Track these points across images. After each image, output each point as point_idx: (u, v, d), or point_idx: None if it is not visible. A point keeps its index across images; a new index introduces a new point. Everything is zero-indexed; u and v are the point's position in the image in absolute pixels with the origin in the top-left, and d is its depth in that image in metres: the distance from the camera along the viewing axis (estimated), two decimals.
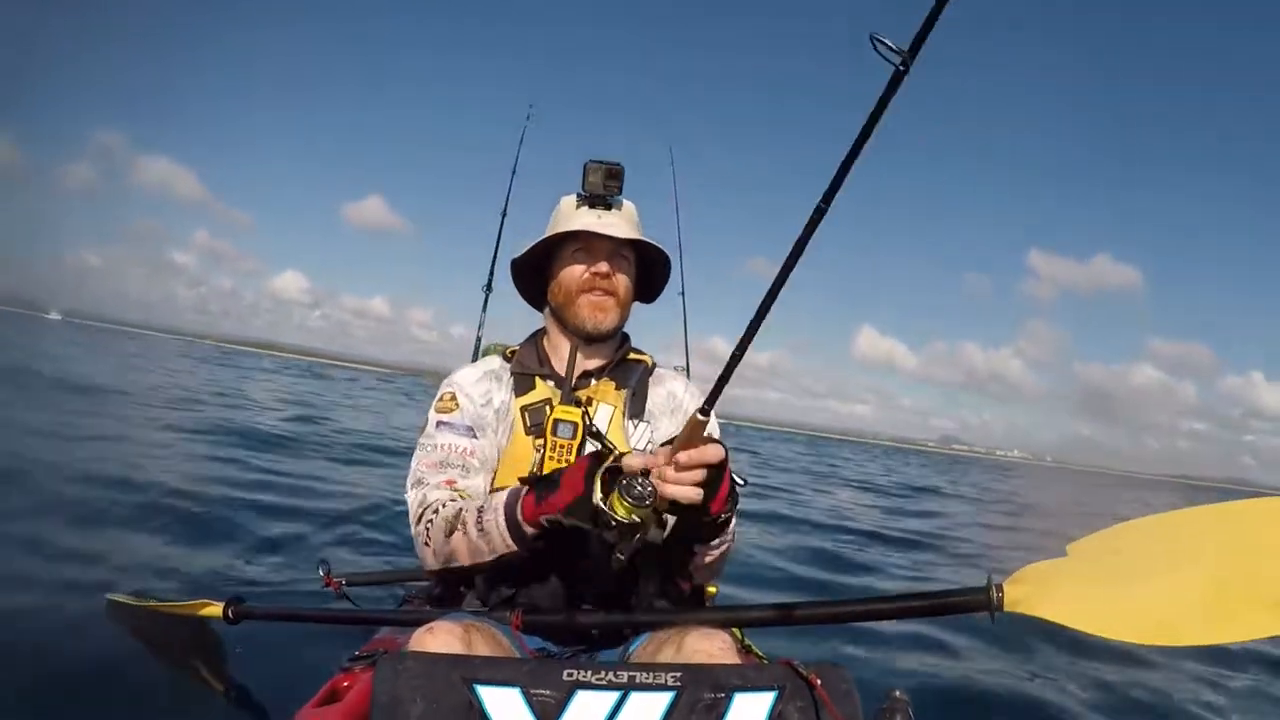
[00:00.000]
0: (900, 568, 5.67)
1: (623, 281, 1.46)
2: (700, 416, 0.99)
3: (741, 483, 1.17)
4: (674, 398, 1.52)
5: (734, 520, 1.26)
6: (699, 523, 1.15)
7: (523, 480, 1.20)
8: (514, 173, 2.99)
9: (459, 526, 1.26)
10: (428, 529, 1.31)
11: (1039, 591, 1.08)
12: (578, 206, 1.46)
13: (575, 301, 1.44)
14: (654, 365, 1.56)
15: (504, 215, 2.88)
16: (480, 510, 1.24)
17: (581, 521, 1.08)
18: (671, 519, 1.11)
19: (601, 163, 1.45)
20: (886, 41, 0.78)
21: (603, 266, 1.43)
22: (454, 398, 1.46)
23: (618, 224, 1.43)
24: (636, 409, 1.47)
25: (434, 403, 1.48)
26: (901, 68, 0.78)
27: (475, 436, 1.43)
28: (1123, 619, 1.01)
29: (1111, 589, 1.06)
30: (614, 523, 1.02)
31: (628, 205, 1.50)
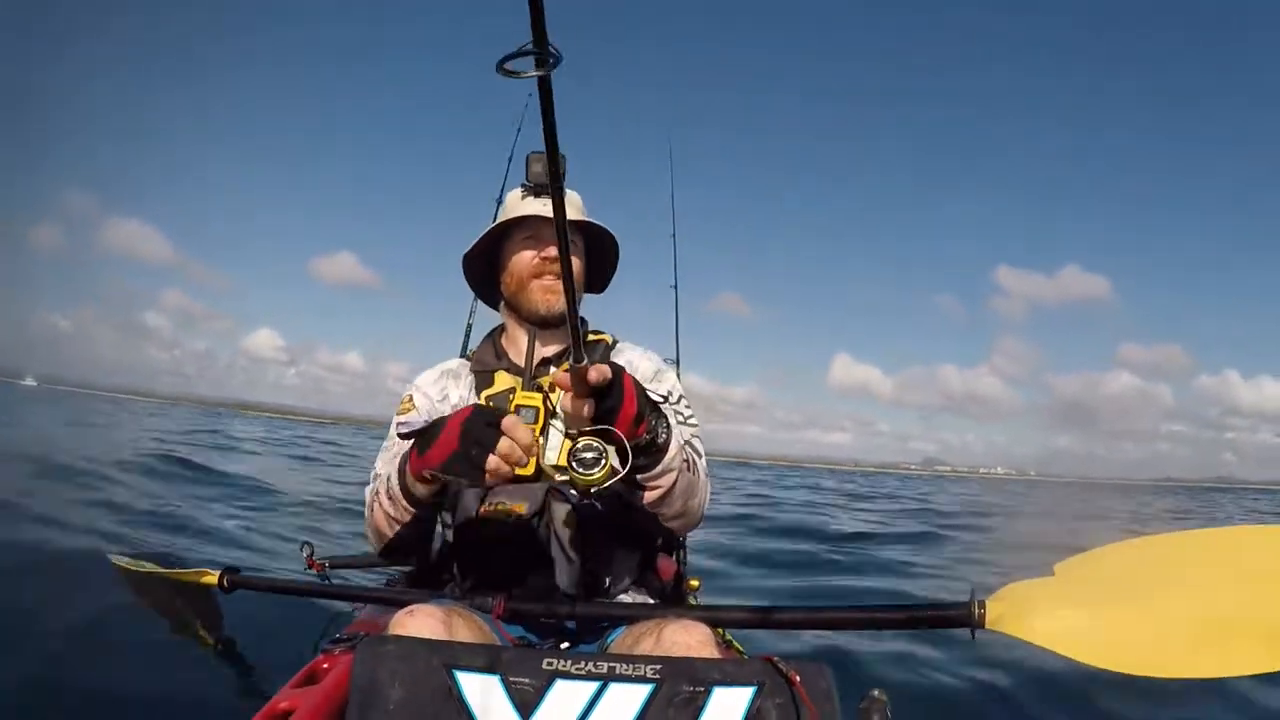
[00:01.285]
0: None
1: (574, 264, 1.46)
2: (575, 365, 0.99)
3: (661, 398, 1.17)
4: (632, 365, 1.50)
5: (676, 450, 1.20)
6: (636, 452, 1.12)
7: (403, 435, 1.17)
8: (510, 159, 2.96)
9: (375, 499, 1.28)
10: (368, 513, 1.33)
11: (1022, 611, 1.07)
12: (523, 197, 1.47)
13: (527, 287, 1.45)
14: (614, 342, 1.56)
15: (499, 203, 2.87)
16: (389, 478, 1.25)
17: (460, 477, 1.07)
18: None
19: (542, 153, 1.45)
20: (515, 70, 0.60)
21: (551, 250, 1.43)
22: (411, 399, 1.48)
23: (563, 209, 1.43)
24: None
25: (396, 408, 1.50)
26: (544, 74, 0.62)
27: None
28: (1107, 646, 1.00)
29: (1098, 613, 1.04)
30: (593, 490, 1.07)
31: (573, 194, 1.50)
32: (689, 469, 1.28)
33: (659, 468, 1.18)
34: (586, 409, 1.04)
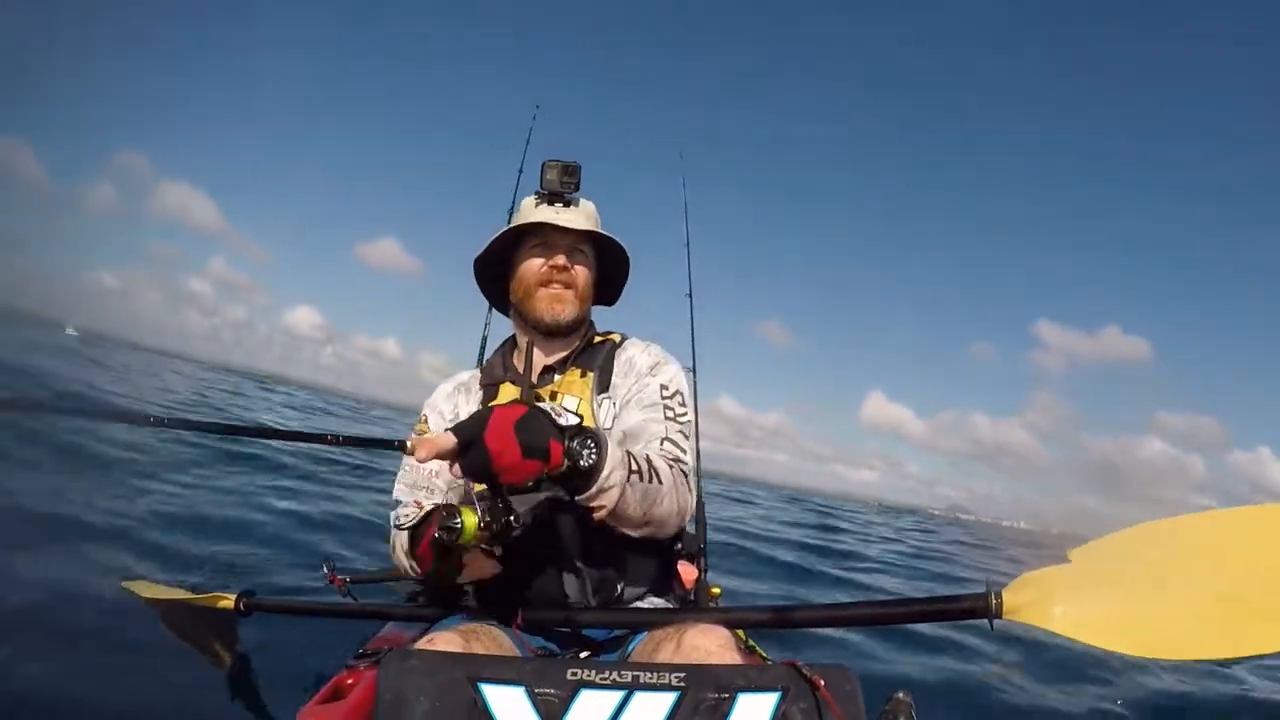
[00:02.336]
0: None
1: (581, 274, 1.47)
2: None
3: (575, 419, 1.13)
4: (631, 361, 1.50)
5: (614, 467, 1.14)
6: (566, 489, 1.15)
7: (399, 527, 1.28)
8: (521, 172, 2.97)
9: (394, 551, 1.36)
10: (390, 548, 1.39)
11: (1039, 600, 1.06)
12: (536, 204, 1.47)
13: (534, 295, 1.45)
14: (621, 340, 1.55)
15: (511, 214, 2.86)
16: (401, 547, 1.32)
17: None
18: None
19: (558, 161, 1.47)
20: None
21: (560, 259, 1.44)
22: (426, 419, 1.49)
23: (575, 219, 1.45)
24: (603, 385, 1.45)
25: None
26: None
27: None
28: (1124, 631, 0.99)
29: (1114, 599, 1.04)
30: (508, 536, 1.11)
31: (586, 203, 1.50)
32: (643, 478, 1.20)
33: (594, 488, 1.13)
34: (458, 470, 1.05)
